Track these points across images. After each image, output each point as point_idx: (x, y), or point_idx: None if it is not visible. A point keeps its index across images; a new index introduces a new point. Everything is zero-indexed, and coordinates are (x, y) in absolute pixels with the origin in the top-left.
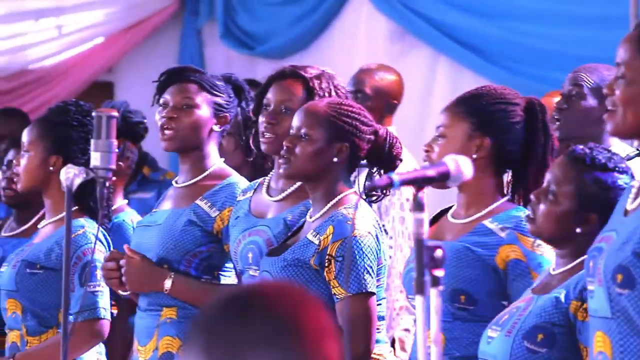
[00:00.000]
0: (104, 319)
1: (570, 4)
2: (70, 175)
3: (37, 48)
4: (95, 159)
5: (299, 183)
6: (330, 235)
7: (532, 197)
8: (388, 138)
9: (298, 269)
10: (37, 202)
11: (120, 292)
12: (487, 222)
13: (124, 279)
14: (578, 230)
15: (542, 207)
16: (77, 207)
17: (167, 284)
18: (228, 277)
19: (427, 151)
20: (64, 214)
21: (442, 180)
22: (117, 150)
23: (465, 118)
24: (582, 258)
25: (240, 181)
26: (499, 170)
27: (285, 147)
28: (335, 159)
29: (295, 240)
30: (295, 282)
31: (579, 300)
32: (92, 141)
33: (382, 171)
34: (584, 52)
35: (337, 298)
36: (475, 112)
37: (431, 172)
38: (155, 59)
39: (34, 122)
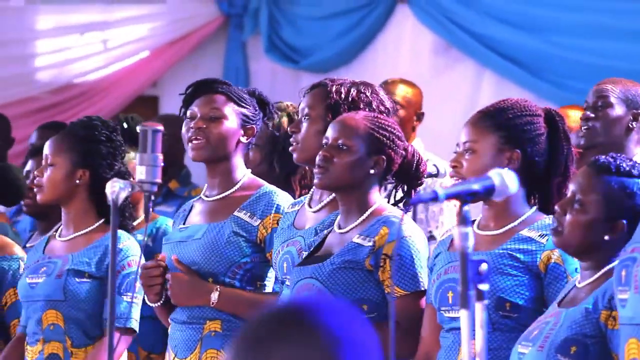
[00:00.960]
0: (133, 329)
1: (614, 18)
2: (116, 189)
3: (82, 62)
4: (141, 172)
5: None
6: (386, 236)
7: (557, 208)
8: (415, 155)
9: (350, 271)
10: (57, 213)
11: (149, 302)
12: (524, 232)
13: (169, 292)
14: (606, 237)
15: (568, 217)
16: (105, 220)
17: (214, 297)
18: (269, 288)
19: (454, 167)
20: (97, 224)
21: (487, 194)
22: (163, 164)
23: (494, 132)
24: (607, 268)
25: (274, 190)
26: (526, 181)
27: (322, 157)
28: (372, 171)
29: (326, 251)
30: (346, 285)
31: (608, 309)
32: (138, 155)
33: (405, 187)
34: (628, 66)
35: (393, 297)
36: (503, 125)
37: (476, 187)
38: (200, 73)
39: (58, 136)
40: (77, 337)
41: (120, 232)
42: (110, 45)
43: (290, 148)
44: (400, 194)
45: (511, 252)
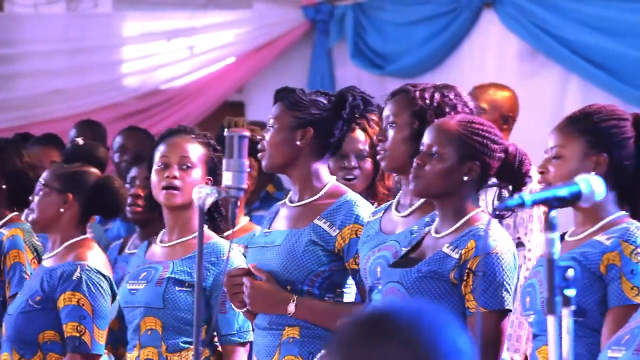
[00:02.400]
0: (250, 342)
1: None
2: (203, 194)
3: (168, 68)
4: (227, 178)
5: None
6: (472, 250)
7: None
8: (517, 155)
9: (434, 281)
10: (161, 219)
11: (235, 308)
12: (598, 236)
13: (247, 299)
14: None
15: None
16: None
17: (291, 308)
18: (349, 295)
19: (542, 172)
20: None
21: (574, 200)
22: (248, 169)
23: (580, 137)
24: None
25: (356, 198)
26: (614, 186)
27: (415, 164)
28: (465, 178)
29: (421, 254)
30: (429, 295)
31: None
32: (224, 160)
33: (510, 188)
34: None
35: (470, 312)
36: (590, 130)
37: (563, 192)
38: (285, 79)
39: (188, 140)
40: (173, 344)
41: (223, 242)
42: (196, 52)
43: (378, 157)
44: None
45: (575, 256)
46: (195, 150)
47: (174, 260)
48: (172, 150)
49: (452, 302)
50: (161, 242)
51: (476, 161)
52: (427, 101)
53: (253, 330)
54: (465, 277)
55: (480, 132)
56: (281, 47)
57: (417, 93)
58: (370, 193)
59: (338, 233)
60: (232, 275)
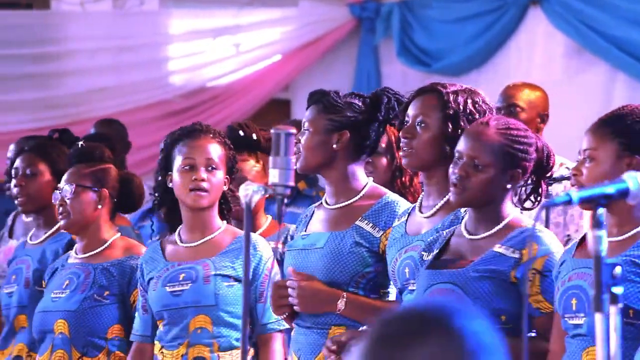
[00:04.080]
0: (283, 330)
1: None
2: (249, 192)
3: (214, 66)
4: (274, 175)
5: (447, 197)
6: (536, 250)
7: None
8: (544, 149)
9: (492, 280)
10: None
11: (276, 315)
12: None
13: (295, 301)
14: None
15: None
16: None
17: (341, 304)
18: (392, 295)
19: (575, 175)
20: (223, 227)
21: (621, 197)
22: (295, 167)
23: (613, 139)
24: None
25: (397, 199)
26: None
27: (458, 175)
28: (508, 186)
29: (456, 254)
30: (487, 294)
31: None
32: (271, 158)
33: (534, 178)
34: None
35: (542, 312)
36: (623, 132)
37: (610, 190)
38: (331, 76)
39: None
40: (225, 341)
41: (256, 235)
42: (242, 49)
43: (402, 153)
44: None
45: (634, 259)
46: (217, 151)
47: (211, 257)
48: (196, 151)
49: (509, 300)
50: (183, 242)
51: (518, 169)
52: (461, 106)
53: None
54: (530, 278)
55: (519, 138)
56: (327, 44)
57: (450, 96)
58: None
59: (382, 234)
60: (279, 286)
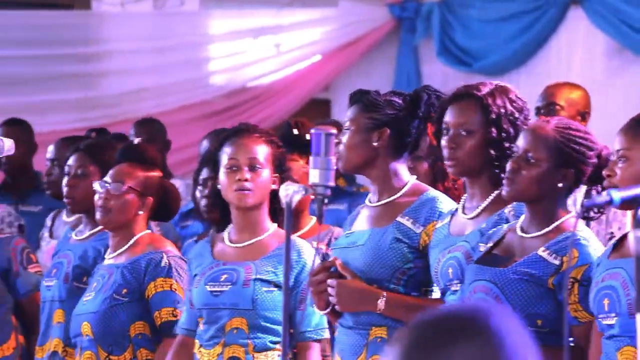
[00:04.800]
0: (326, 338)
1: None
2: (290, 192)
3: (255, 66)
4: (314, 176)
5: (491, 197)
6: (576, 259)
7: None
8: (609, 157)
9: (530, 284)
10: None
11: (319, 309)
12: None
13: (334, 299)
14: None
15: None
16: (278, 225)
17: (381, 304)
18: (435, 294)
19: (609, 176)
20: (272, 230)
21: None
22: (335, 167)
23: None
24: None
25: (438, 195)
26: None
27: (510, 168)
28: (560, 185)
29: (507, 251)
30: (524, 297)
31: None
32: (311, 158)
33: (599, 188)
34: None
35: (580, 322)
36: None
37: None
38: (371, 76)
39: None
40: (260, 342)
41: (302, 241)
42: (283, 49)
43: (448, 163)
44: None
45: None
46: (262, 150)
47: (254, 261)
48: (240, 151)
49: (546, 305)
50: (231, 242)
51: (571, 168)
52: (502, 108)
53: (333, 328)
54: (569, 287)
55: (577, 139)
56: (367, 44)
57: (489, 99)
58: None
59: (422, 230)
60: (313, 274)
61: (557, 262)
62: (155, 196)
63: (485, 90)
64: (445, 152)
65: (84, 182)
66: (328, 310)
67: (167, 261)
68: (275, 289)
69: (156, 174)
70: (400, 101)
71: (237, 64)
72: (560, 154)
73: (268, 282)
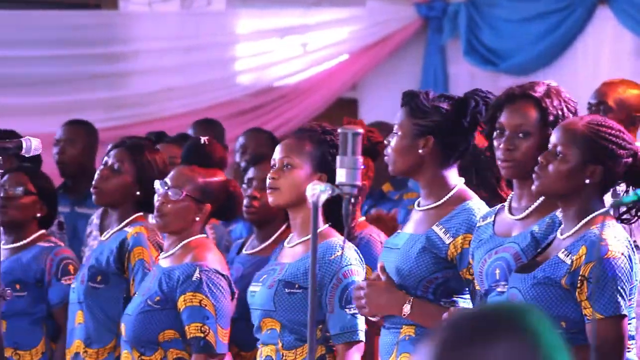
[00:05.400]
0: (362, 341)
1: None
2: (317, 191)
3: (282, 65)
4: (341, 175)
5: (541, 199)
6: (583, 256)
7: None
8: None
9: (548, 287)
10: (278, 219)
11: (364, 315)
12: None
13: (364, 301)
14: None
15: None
16: (329, 225)
17: (406, 309)
18: (465, 301)
19: None
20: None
21: None
22: (362, 167)
23: None
24: None
25: (477, 206)
26: None
27: (539, 163)
28: (587, 181)
29: (545, 257)
30: (544, 300)
31: None
32: (338, 158)
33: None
34: None
35: (588, 319)
36: None
37: None
38: (398, 76)
39: (294, 139)
40: (288, 341)
41: (335, 241)
42: (309, 49)
43: (503, 164)
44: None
45: None
46: (300, 149)
47: (291, 262)
48: (277, 151)
49: (567, 307)
50: (289, 242)
51: (599, 165)
52: (560, 111)
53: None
54: (579, 285)
55: (607, 135)
56: (394, 44)
57: (547, 101)
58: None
59: (451, 241)
60: (358, 287)
61: (569, 261)
62: (215, 201)
63: (541, 91)
64: (499, 153)
65: (116, 177)
66: (376, 317)
67: (198, 276)
68: (299, 290)
69: (218, 178)
70: (447, 107)
71: (264, 64)
72: (589, 150)
73: (292, 284)
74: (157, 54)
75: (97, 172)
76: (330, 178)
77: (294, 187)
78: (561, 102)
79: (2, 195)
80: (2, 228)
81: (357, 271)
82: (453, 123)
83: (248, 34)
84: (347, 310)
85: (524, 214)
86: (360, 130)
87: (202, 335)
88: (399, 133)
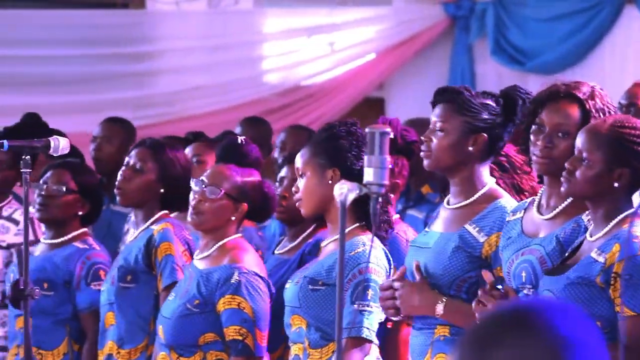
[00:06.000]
0: (366, 339)
1: None
2: (344, 190)
3: (309, 65)
4: (369, 174)
5: (569, 200)
6: (617, 253)
7: None
8: None
9: (583, 287)
10: (307, 220)
11: (390, 316)
12: None
13: (397, 302)
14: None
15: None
16: (362, 224)
17: (439, 308)
18: None
19: None
20: (351, 227)
21: None
22: (390, 166)
23: None
24: None
25: (510, 204)
26: None
27: (566, 168)
28: (616, 184)
29: (575, 259)
30: (578, 301)
31: None
32: (366, 157)
33: None
34: None
35: (622, 316)
36: None
37: None
38: (425, 75)
39: (305, 147)
40: (314, 339)
41: (361, 239)
42: (337, 48)
43: (538, 160)
44: None
45: None
46: (305, 155)
47: (321, 259)
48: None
49: (601, 306)
50: (323, 242)
51: (626, 167)
52: (601, 115)
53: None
54: (612, 282)
55: (631, 137)
56: (421, 43)
57: (590, 103)
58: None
59: (485, 240)
60: (384, 288)
61: (602, 260)
62: (252, 201)
63: (585, 92)
64: (537, 150)
65: (139, 177)
66: (400, 316)
67: (237, 278)
68: (323, 287)
69: (254, 178)
70: (494, 104)
71: (291, 63)
72: (613, 154)
73: (315, 280)
74: (184, 53)
75: (120, 173)
76: (344, 170)
77: (311, 193)
78: (604, 105)
79: (43, 193)
80: (43, 224)
81: (376, 270)
82: (503, 120)
83: (275, 33)
84: (356, 305)
85: (552, 214)
86: (388, 130)
87: (240, 338)
88: (445, 130)
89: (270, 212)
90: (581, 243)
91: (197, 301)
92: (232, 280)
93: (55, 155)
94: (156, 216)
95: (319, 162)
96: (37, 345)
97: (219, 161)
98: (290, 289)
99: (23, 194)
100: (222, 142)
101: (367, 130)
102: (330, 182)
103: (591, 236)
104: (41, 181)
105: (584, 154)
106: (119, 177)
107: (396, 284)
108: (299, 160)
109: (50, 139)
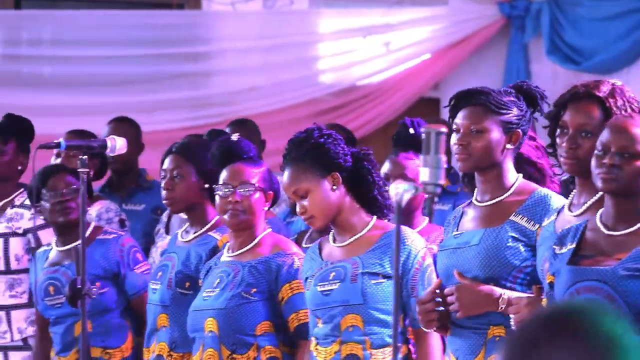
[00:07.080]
0: None
1: None
2: (400, 190)
3: (364, 65)
4: (424, 174)
5: (598, 195)
6: None
7: None
8: None
9: None
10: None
11: (426, 329)
12: None
13: (455, 306)
14: None
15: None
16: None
17: (502, 303)
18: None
19: None
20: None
21: None
22: (446, 165)
23: None
24: None
25: (549, 193)
26: None
27: (609, 166)
28: None
29: (597, 250)
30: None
31: None
32: (421, 157)
33: None
34: None
35: None
36: None
37: None
38: (481, 74)
39: (284, 171)
40: (377, 338)
41: (405, 228)
42: (392, 48)
43: (566, 161)
44: None
45: None
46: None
47: (359, 255)
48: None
49: None
50: (335, 242)
51: None
52: (623, 112)
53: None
54: None
55: None
56: (477, 43)
57: (611, 101)
58: None
59: (539, 227)
60: (423, 302)
61: None
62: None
63: (605, 90)
64: (562, 151)
65: (181, 183)
66: (435, 328)
67: (299, 264)
68: (384, 280)
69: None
70: (519, 100)
71: (346, 63)
72: None
73: (376, 274)
74: (239, 54)
75: (162, 187)
76: (341, 171)
77: (323, 208)
78: (625, 102)
79: (58, 199)
80: (57, 230)
81: (428, 254)
82: (529, 114)
83: (330, 33)
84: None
85: (581, 210)
86: (444, 130)
87: (307, 321)
88: (483, 131)
89: (278, 197)
90: (583, 234)
91: (254, 289)
92: (295, 266)
93: (112, 154)
94: (212, 221)
95: (314, 176)
96: (103, 346)
97: (226, 164)
98: (343, 287)
99: (80, 195)
100: (221, 146)
101: (422, 130)
102: (333, 188)
103: (612, 229)
104: (51, 190)
105: (628, 152)
106: (162, 192)
107: (447, 290)
108: (289, 186)
109: (107, 138)
